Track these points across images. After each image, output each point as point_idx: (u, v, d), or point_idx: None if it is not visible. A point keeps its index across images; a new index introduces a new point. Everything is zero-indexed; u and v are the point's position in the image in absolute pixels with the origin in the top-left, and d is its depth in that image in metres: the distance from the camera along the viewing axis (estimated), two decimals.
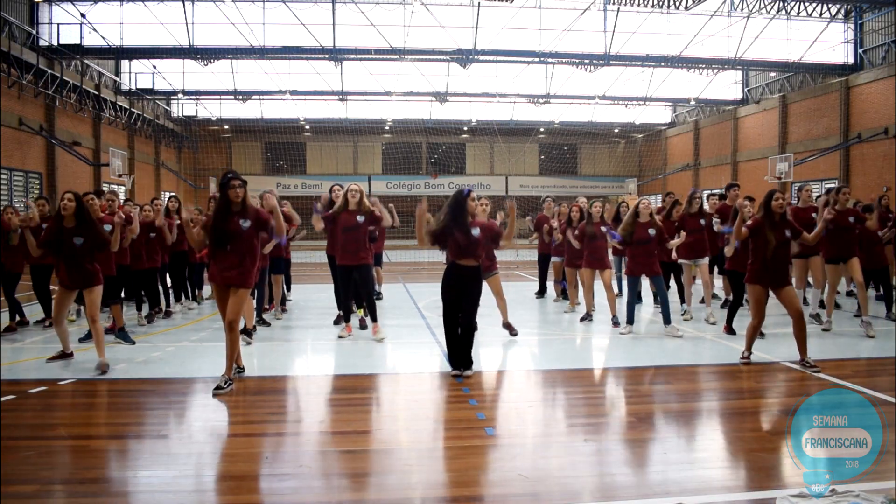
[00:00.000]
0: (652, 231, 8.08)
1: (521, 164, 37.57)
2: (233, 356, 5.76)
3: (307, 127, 34.71)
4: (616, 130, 36.95)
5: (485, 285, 6.69)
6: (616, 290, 10.22)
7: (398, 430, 4.85)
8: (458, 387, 5.79)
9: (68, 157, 22.80)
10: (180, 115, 33.12)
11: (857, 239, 8.31)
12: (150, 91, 28.61)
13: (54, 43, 22.32)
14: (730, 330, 7.96)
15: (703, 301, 9.22)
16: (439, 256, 6.42)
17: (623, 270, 10.52)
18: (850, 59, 24.87)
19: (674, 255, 8.71)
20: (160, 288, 9.58)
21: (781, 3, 24.42)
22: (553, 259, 10.91)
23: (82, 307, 8.23)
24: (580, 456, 4.26)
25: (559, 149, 38.81)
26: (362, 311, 8.55)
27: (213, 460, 4.31)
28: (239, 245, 5.70)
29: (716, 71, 28.60)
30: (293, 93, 29.38)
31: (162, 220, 9.04)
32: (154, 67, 27.80)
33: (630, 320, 8.24)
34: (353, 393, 5.92)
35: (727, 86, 30.90)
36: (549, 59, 25.84)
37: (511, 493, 3.66)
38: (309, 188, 34.36)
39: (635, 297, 8.24)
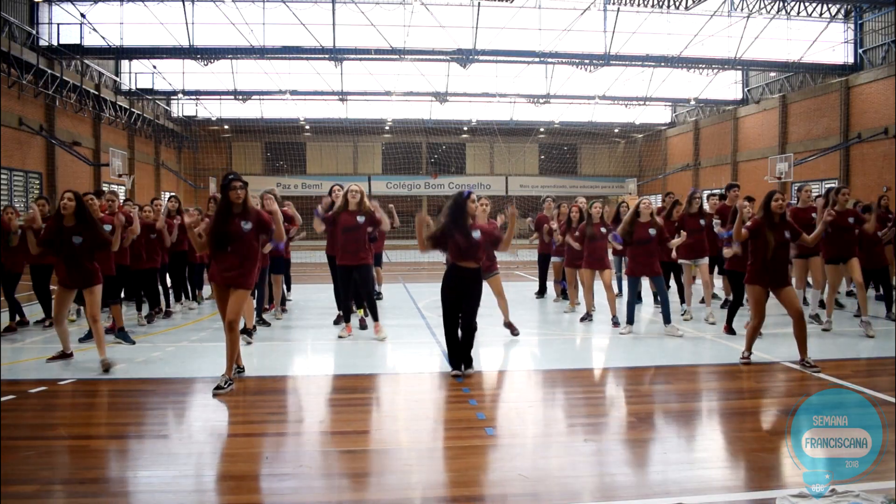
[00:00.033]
0: (653, 231, 8.08)
1: (521, 164, 37.57)
2: (233, 356, 5.76)
3: (307, 127, 34.71)
4: (616, 130, 36.96)
5: (485, 286, 6.70)
6: (616, 290, 10.23)
7: (398, 430, 4.85)
8: (458, 387, 5.80)
9: (68, 157, 22.81)
10: (180, 115, 33.13)
11: (857, 239, 8.32)
12: (150, 91, 28.61)
13: (54, 43, 22.33)
14: (730, 330, 7.96)
15: (702, 301, 9.22)
16: (439, 256, 6.42)
17: (623, 270, 10.53)
18: (850, 59, 24.87)
19: (673, 254, 8.71)
20: (160, 288, 9.58)
21: (781, 3, 24.42)
22: (553, 259, 10.92)
23: (82, 307, 8.24)
24: (580, 456, 4.26)
25: (559, 149, 38.81)
26: (362, 311, 8.56)
27: (213, 460, 4.31)
28: (240, 247, 5.71)
29: (716, 71, 28.61)
30: (293, 93, 29.39)
31: (162, 223, 9.03)
32: (154, 67, 27.80)
33: (630, 320, 8.24)
34: (353, 393, 5.92)
35: (727, 86, 30.90)
36: (549, 59, 25.84)
37: (511, 493, 3.66)
38: (309, 188, 34.36)
39: (635, 297, 8.24)
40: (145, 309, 9.14)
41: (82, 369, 6.33)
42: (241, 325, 6.60)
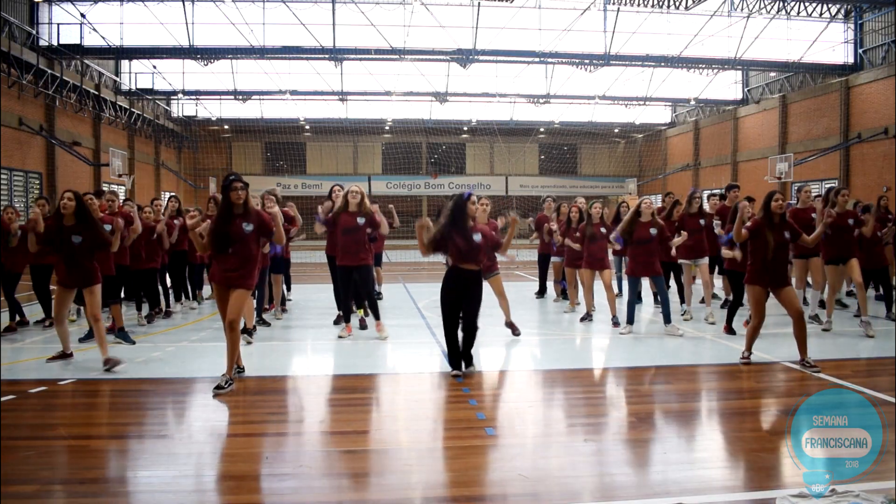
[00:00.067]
0: (654, 230, 8.08)
1: (521, 164, 37.56)
2: (234, 356, 5.77)
3: (307, 127, 34.70)
4: (616, 130, 36.94)
5: (486, 286, 6.70)
6: (616, 290, 10.23)
7: (398, 430, 4.85)
8: (458, 387, 5.80)
9: (68, 157, 22.80)
10: (180, 115, 33.12)
11: (857, 240, 8.33)
12: (150, 91, 28.60)
13: (54, 43, 22.32)
14: (730, 330, 7.96)
15: (703, 301, 9.22)
16: (440, 257, 6.42)
17: (623, 270, 10.53)
18: (850, 59, 24.86)
19: (673, 253, 8.71)
20: (160, 288, 9.58)
21: (781, 3, 24.41)
22: (553, 259, 10.92)
23: (82, 307, 8.24)
24: (580, 456, 4.26)
25: (559, 149, 38.80)
26: (362, 311, 8.57)
27: (213, 460, 4.31)
28: (241, 248, 5.74)
29: (716, 71, 28.60)
30: (293, 93, 29.38)
31: (163, 228, 9.02)
32: (154, 67, 27.79)
33: (630, 320, 8.24)
34: (353, 393, 5.92)
35: (727, 86, 30.89)
36: (549, 59, 25.83)
37: (511, 493, 3.66)
38: (309, 188, 34.36)
39: (636, 297, 8.24)
40: (145, 309, 9.14)
41: (82, 369, 6.33)
42: (241, 325, 6.60)
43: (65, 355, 6.63)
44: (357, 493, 3.77)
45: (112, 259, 7.49)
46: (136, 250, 8.55)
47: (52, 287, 7.87)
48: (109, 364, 6.23)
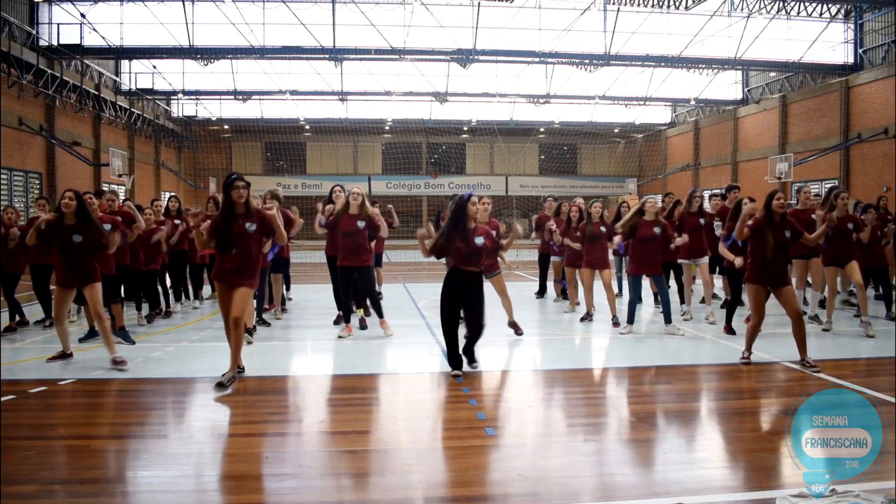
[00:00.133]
0: (657, 229, 8.07)
1: (521, 164, 37.56)
2: (238, 352, 5.82)
3: (307, 127, 34.71)
4: (616, 130, 36.96)
5: (488, 285, 6.71)
6: (616, 290, 10.22)
7: (398, 430, 4.85)
8: (458, 387, 5.80)
9: (68, 157, 22.81)
10: (180, 115, 33.13)
11: (856, 243, 8.34)
12: (150, 91, 28.61)
13: (54, 43, 22.33)
14: (730, 330, 7.96)
15: (703, 301, 9.22)
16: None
17: (624, 270, 10.52)
18: (850, 59, 24.87)
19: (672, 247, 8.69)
20: (160, 289, 9.58)
21: (781, 3, 24.42)
22: (553, 259, 10.92)
23: (83, 307, 8.24)
24: (580, 456, 4.26)
25: (559, 149, 38.81)
26: (362, 310, 8.57)
27: (213, 460, 4.31)
28: (244, 247, 5.78)
29: (716, 71, 28.61)
30: (293, 93, 29.39)
31: (162, 236, 9.00)
32: (154, 67, 27.80)
33: (630, 320, 8.23)
34: (353, 393, 5.92)
35: (727, 86, 30.90)
36: (549, 59, 25.84)
37: (511, 493, 3.66)
38: (309, 188, 34.36)
39: (637, 297, 8.24)
40: (145, 309, 9.14)
41: (82, 369, 6.33)
42: None
43: (65, 355, 6.62)
44: (357, 493, 3.77)
45: (112, 258, 7.49)
46: (135, 252, 8.55)
47: (52, 287, 7.87)
48: (118, 364, 6.24)
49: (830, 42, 25.06)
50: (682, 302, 9.30)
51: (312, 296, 11.88)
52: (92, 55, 24.03)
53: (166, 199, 10.45)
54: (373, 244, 8.52)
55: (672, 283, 9.52)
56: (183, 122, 33.35)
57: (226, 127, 34.59)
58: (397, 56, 24.10)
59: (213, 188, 29.55)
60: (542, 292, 11.76)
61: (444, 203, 6.33)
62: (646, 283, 8.65)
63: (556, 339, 8.31)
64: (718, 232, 8.85)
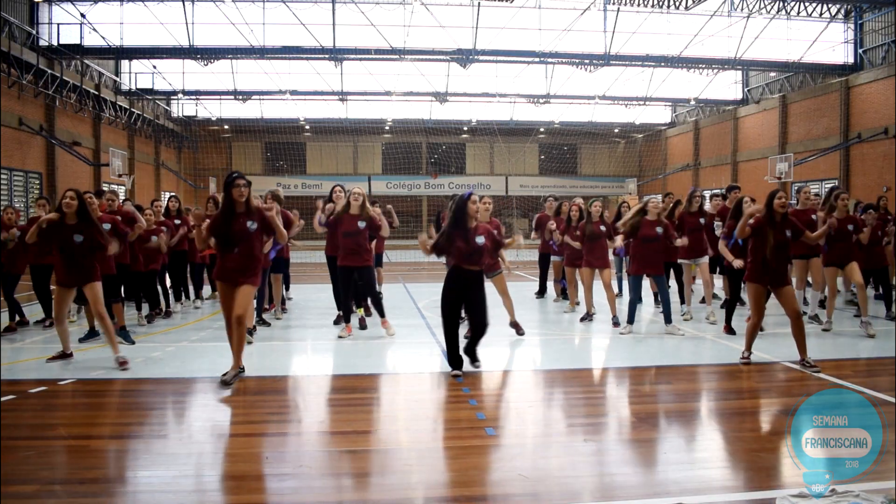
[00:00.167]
0: (659, 229, 8.08)
1: (521, 164, 37.56)
2: (241, 350, 5.84)
3: (307, 127, 34.71)
4: (616, 130, 36.95)
5: (489, 285, 6.71)
6: (616, 290, 10.22)
7: (398, 430, 4.85)
8: (458, 387, 5.80)
9: (68, 157, 22.80)
10: (180, 115, 33.13)
11: (856, 244, 8.34)
12: (150, 91, 28.61)
13: (54, 43, 22.32)
14: (730, 330, 7.96)
15: (703, 301, 9.22)
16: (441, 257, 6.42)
17: (624, 270, 10.52)
18: (850, 59, 24.87)
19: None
20: (160, 289, 9.58)
21: (781, 3, 24.41)
22: (553, 258, 10.92)
23: (83, 307, 8.24)
24: (580, 456, 4.26)
25: (559, 149, 38.80)
26: (362, 310, 8.58)
27: (213, 460, 4.31)
28: (246, 246, 5.81)
29: (716, 71, 28.61)
30: (293, 93, 29.39)
31: (162, 243, 8.99)
32: (154, 67, 27.80)
33: (631, 320, 8.23)
34: (353, 393, 5.92)
35: (727, 86, 30.90)
36: (549, 59, 25.84)
37: (511, 493, 3.66)
38: (309, 188, 34.35)
39: (637, 297, 8.24)
40: (145, 309, 9.14)
41: (82, 369, 6.33)
42: None
43: (65, 355, 6.62)
44: (357, 493, 3.77)
45: (112, 258, 7.49)
46: (135, 253, 8.55)
47: (52, 287, 7.87)
48: (121, 364, 6.25)
49: (830, 42, 25.06)
50: (683, 302, 9.30)
51: (312, 296, 11.88)
52: (92, 55, 24.03)
53: (166, 200, 10.45)
54: (373, 244, 8.54)
55: (672, 282, 9.52)
56: (183, 122, 33.35)
57: (226, 127, 34.59)
58: (397, 56, 24.10)
59: (213, 188, 29.55)
60: (542, 292, 11.77)
61: (444, 203, 6.34)
62: (645, 283, 8.65)
63: (556, 339, 8.31)
64: (718, 232, 8.85)
